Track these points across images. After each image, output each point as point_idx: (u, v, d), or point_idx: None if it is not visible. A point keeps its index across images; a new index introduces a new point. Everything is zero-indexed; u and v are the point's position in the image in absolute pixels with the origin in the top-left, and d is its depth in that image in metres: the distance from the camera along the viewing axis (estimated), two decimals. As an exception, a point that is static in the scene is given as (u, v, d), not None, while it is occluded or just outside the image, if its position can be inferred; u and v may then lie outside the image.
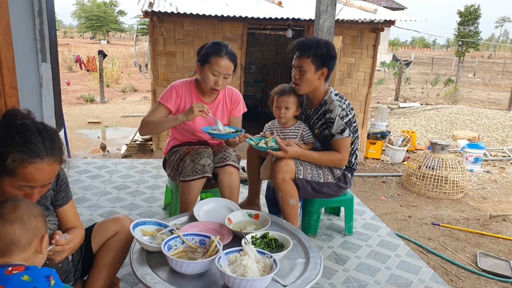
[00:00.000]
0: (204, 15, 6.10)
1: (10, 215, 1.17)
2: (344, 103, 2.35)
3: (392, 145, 7.48)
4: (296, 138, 2.46)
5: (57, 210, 1.55)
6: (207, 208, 2.03)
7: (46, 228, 1.26)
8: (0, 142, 1.23)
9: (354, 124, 2.38)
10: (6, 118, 1.28)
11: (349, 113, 2.33)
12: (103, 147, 7.39)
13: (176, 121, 2.25)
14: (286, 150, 2.24)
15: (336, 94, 2.39)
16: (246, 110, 2.66)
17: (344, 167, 2.47)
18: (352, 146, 2.43)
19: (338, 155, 2.34)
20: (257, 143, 2.33)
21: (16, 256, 1.16)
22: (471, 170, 6.84)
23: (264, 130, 2.59)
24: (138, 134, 7.82)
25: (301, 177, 2.33)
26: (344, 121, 2.30)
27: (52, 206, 1.54)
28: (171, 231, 1.72)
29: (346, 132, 2.32)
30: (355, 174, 3.25)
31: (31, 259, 1.19)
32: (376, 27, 6.85)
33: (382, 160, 7.38)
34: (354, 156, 2.48)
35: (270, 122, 2.60)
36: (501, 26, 62.35)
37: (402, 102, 13.67)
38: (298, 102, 2.44)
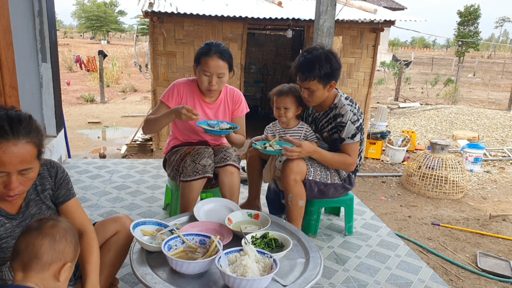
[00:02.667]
0: (204, 15, 6.09)
1: (46, 230, 1.20)
2: (355, 108, 2.33)
3: (392, 145, 7.48)
4: (299, 138, 2.45)
5: (60, 207, 1.55)
6: (207, 208, 2.03)
7: (75, 258, 1.27)
8: None
9: (363, 127, 2.37)
10: None
11: (360, 117, 2.33)
12: (102, 156, 7.21)
13: (169, 118, 2.24)
14: (301, 144, 2.21)
15: (346, 98, 2.37)
16: (248, 110, 2.64)
17: None
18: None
19: (348, 159, 2.34)
20: (264, 147, 2.30)
21: (34, 273, 1.16)
22: (471, 170, 6.84)
23: (265, 133, 2.55)
24: (138, 134, 7.82)
25: (310, 178, 2.32)
26: (356, 125, 2.30)
27: (54, 205, 1.55)
28: (171, 231, 1.72)
29: (358, 137, 2.31)
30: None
31: (47, 282, 1.18)
32: (376, 27, 6.85)
33: (382, 160, 7.38)
34: (359, 158, 2.48)
35: (271, 124, 2.57)
36: (501, 26, 62.38)
37: (402, 102, 13.67)
38: (297, 102, 2.42)
